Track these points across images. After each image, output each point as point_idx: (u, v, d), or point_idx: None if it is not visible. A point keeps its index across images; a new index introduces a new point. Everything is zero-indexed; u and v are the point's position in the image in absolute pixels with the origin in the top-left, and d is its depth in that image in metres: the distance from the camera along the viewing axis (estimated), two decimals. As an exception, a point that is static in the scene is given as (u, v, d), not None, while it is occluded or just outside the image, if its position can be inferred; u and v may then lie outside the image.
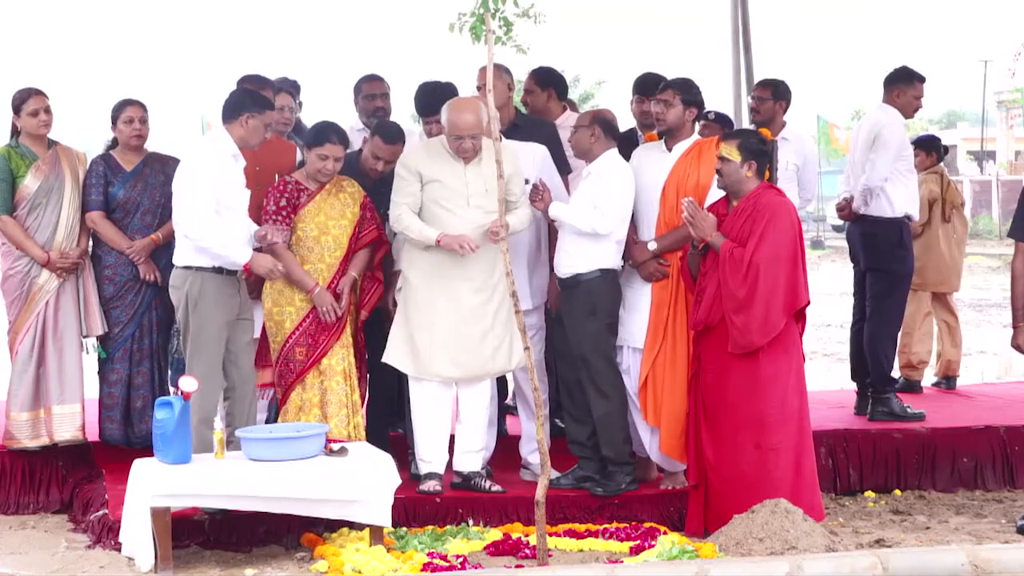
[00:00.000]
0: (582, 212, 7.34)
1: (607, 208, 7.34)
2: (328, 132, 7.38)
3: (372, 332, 7.66)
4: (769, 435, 6.95)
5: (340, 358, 7.40)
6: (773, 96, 8.88)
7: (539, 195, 7.41)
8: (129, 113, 7.89)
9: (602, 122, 7.47)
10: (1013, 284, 7.36)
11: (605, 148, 7.46)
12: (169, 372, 7.88)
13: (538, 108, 8.48)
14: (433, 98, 7.72)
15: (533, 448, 7.52)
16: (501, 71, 7.97)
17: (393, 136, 7.68)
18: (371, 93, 8.52)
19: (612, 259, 7.43)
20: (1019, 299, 7.32)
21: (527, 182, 7.54)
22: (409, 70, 8.81)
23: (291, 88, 8.61)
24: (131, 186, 7.84)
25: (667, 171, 7.49)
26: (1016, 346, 7.38)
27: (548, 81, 8.58)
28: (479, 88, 7.85)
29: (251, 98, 7.19)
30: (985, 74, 47.93)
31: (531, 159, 7.66)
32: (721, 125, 8.07)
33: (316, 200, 7.39)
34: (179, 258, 7.12)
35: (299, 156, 7.77)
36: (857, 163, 8.97)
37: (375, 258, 7.60)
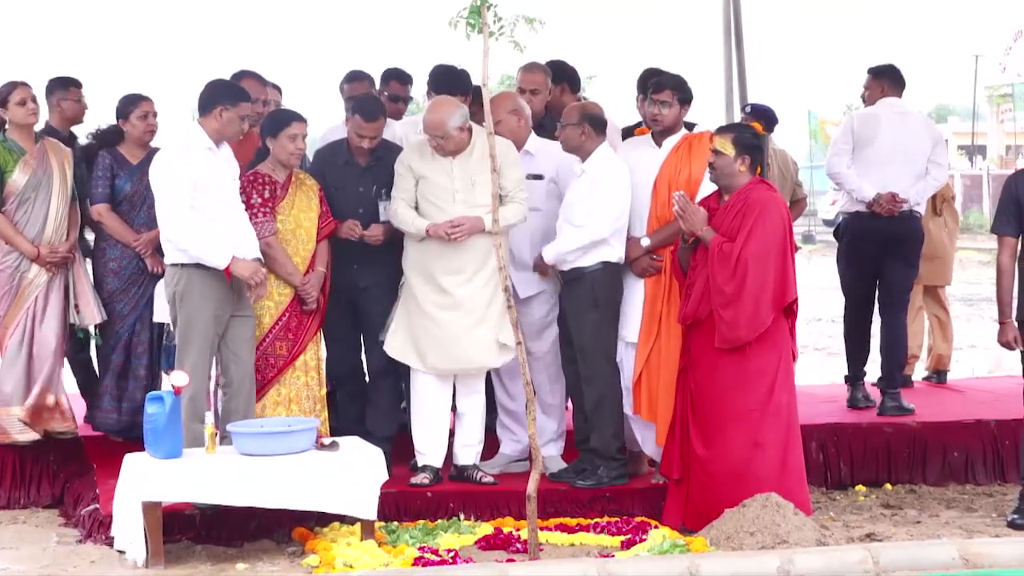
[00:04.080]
0: (574, 234, 7.32)
1: (599, 210, 7.33)
2: (290, 113, 7.49)
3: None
4: (756, 430, 6.96)
5: (312, 353, 7.48)
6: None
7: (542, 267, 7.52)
8: (144, 108, 7.96)
9: (591, 119, 7.43)
10: (999, 279, 7.38)
11: (596, 144, 7.44)
12: (162, 361, 7.90)
13: (552, 103, 8.32)
14: (447, 78, 7.90)
15: (546, 440, 7.56)
16: (543, 70, 8.07)
17: (373, 113, 7.61)
18: (351, 95, 8.40)
19: (614, 252, 7.43)
20: (1006, 294, 7.34)
21: (540, 178, 7.60)
22: (405, 67, 8.76)
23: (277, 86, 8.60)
24: (137, 180, 7.83)
25: (657, 166, 7.48)
26: (1004, 343, 7.39)
27: (561, 75, 8.50)
28: (521, 91, 7.97)
29: (225, 90, 7.15)
30: (976, 68, 47.88)
31: (552, 158, 7.68)
32: (756, 118, 8.05)
33: (289, 194, 7.42)
34: (167, 256, 7.12)
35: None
36: (916, 162, 8.88)
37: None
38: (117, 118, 7.98)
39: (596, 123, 7.44)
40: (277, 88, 8.46)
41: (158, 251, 7.66)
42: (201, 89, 7.24)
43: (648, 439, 7.54)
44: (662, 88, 7.51)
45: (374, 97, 7.94)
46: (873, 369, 9.25)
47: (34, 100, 7.84)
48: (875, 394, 8.98)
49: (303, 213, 7.45)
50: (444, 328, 7.32)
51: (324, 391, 7.55)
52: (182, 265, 6.99)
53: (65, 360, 7.99)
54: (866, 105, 9.19)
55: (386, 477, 6.79)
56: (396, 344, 7.45)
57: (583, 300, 7.39)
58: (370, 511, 6.64)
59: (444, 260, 7.31)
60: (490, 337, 7.36)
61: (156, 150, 7.89)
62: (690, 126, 7.66)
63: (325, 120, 8.01)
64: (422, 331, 7.35)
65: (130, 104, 7.96)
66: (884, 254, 8.88)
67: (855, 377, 9.12)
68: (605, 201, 7.34)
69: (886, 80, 9.11)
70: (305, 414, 7.32)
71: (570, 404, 7.86)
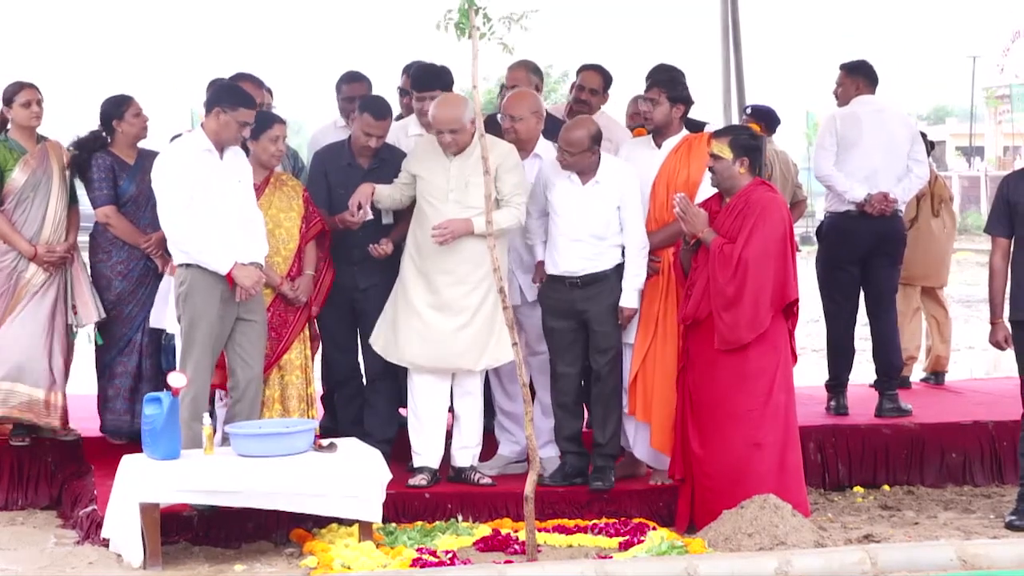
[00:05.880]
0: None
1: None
2: (270, 115, 7.47)
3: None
4: (755, 431, 6.96)
5: (298, 352, 7.44)
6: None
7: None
8: (136, 107, 7.94)
9: (600, 140, 7.40)
10: (991, 280, 7.42)
11: (599, 154, 7.41)
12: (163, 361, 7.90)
13: (594, 109, 8.28)
14: (429, 76, 7.84)
15: (544, 441, 7.55)
16: (531, 71, 8.05)
17: (383, 112, 7.61)
18: (350, 95, 8.30)
19: (621, 254, 7.43)
20: (997, 295, 7.39)
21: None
22: (396, 66, 8.76)
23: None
24: (139, 180, 7.81)
25: (656, 168, 7.47)
26: (995, 343, 7.41)
27: (611, 82, 8.47)
28: (511, 87, 7.96)
29: (225, 92, 7.11)
30: (974, 70, 48.01)
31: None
32: (757, 119, 8.00)
33: (265, 194, 7.39)
34: (174, 257, 7.12)
35: None
36: (898, 159, 8.84)
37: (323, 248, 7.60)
38: (109, 119, 7.93)
39: (599, 140, 7.42)
40: (270, 91, 8.46)
41: (167, 251, 7.67)
42: (206, 88, 7.21)
43: (641, 441, 7.54)
44: (650, 86, 7.50)
45: (381, 96, 7.92)
46: (868, 372, 9.24)
47: (39, 103, 7.83)
48: (872, 395, 8.96)
49: (282, 213, 7.42)
50: (430, 327, 7.31)
51: (313, 389, 7.52)
52: (186, 265, 6.99)
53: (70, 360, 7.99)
54: (839, 102, 9.11)
55: (389, 477, 6.78)
56: (377, 336, 7.45)
57: (605, 302, 7.36)
58: (374, 513, 6.64)
59: (440, 260, 7.30)
60: (475, 340, 7.34)
61: (146, 150, 7.92)
62: (700, 125, 7.62)
63: (320, 121, 7.97)
64: (408, 327, 7.34)
65: (122, 104, 7.93)
66: (870, 254, 8.84)
67: (840, 384, 8.96)
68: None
69: (860, 77, 9.04)
70: (289, 414, 7.30)
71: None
